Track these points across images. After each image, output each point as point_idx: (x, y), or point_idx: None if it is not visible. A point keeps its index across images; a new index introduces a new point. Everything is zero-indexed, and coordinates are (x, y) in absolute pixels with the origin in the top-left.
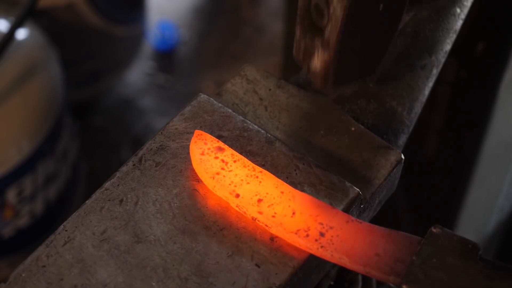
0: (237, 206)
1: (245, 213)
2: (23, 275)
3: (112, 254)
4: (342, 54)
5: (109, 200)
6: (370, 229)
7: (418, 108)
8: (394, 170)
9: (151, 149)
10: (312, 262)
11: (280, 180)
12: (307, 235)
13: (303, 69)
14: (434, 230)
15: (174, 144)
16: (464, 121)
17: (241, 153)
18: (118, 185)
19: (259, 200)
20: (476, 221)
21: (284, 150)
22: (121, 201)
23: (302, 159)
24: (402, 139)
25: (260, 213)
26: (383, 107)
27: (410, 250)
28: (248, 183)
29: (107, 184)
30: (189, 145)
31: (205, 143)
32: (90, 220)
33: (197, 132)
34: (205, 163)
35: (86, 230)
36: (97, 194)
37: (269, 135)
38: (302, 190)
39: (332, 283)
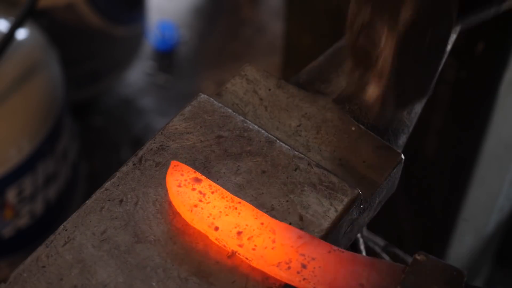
0: (216, 240)
1: (224, 246)
2: (23, 275)
3: (112, 254)
4: (397, 82)
5: (109, 200)
6: (352, 259)
7: (418, 108)
8: (394, 170)
9: (151, 149)
10: None
11: (259, 211)
12: (289, 267)
13: (357, 98)
14: (418, 257)
15: (174, 144)
16: (464, 121)
17: (240, 153)
18: (118, 185)
19: (239, 233)
20: (476, 221)
21: (284, 150)
22: (121, 201)
23: (302, 159)
24: (402, 139)
25: (240, 246)
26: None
27: (394, 279)
28: (227, 215)
29: (107, 184)
30: (189, 145)
31: (182, 174)
32: (90, 220)
33: (173, 163)
34: (182, 195)
35: (86, 230)
36: (97, 194)
37: (269, 135)
38: (302, 190)
39: None
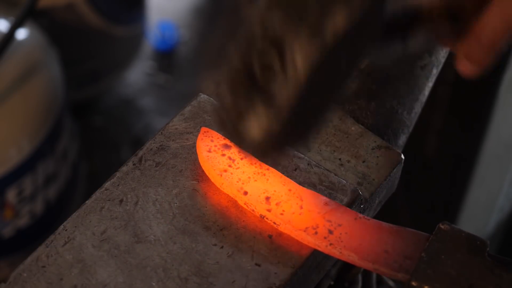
0: (245, 204)
1: (253, 210)
2: (23, 275)
3: (112, 254)
4: (291, 118)
5: (109, 200)
6: (378, 226)
7: (418, 108)
8: (394, 170)
9: (151, 149)
10: (312, 262)
11: (287, 178)
12: (316, 233)
13: (224, 134)
14: (442, 226)
15: (174, 144)
16: (464, 121)
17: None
18: (118, 185)
19: (267, 198)
20: (476, 221)
21: None
22: (121, 201)
23: (302, 159)
24: (402, 139)
25: (269, 210)
26: (383, 107)
27: (419, 246)
28: (255, 180)
29: (107, 184)
30: (189, 145)
31: (212, 140)
32: (90, 220)
33: (203, 129)
34: (212, 161)
35: (86, 230)
36: (97, 194)
37: None
38: (302, 190)
39: (332, 282)
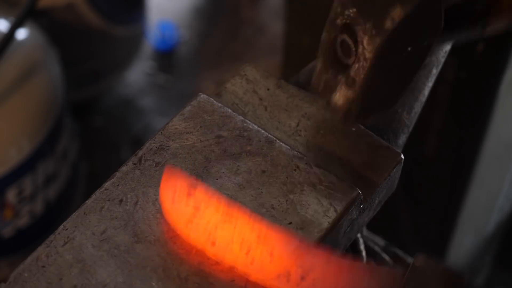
0: (213, 255)
1: (222, 261)
2: (23, 275)
3: (112, 254)
4: (367, 92)
5: (109, 200)
6: (352, 267)
7: (418, 108)
8: (394, 170)
9: (151, 149)
10: None
11: (255, 221)
12: (288, 280)
13: (323, 102)
14: (416, 264)
15: (174, 144)
16: (464, 121)
17: (240, 153)
18: (118, 185)
19: (237, 247)
20: (476, 221)
21: (284, 150)
22: (121, 201)
23: (302, 159)
24: (402, 139)
25: (237, 260)
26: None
27: (394, 284)
28: (222, 229)
29: (107, 184)
30: (189, 145)
31: (174, 191)
32: (90, 220)
33: (164, 176)
34: (176, 212)
35: (86, 230)
36: (97, 194)
37: (269, 135)
38: (302, 190)
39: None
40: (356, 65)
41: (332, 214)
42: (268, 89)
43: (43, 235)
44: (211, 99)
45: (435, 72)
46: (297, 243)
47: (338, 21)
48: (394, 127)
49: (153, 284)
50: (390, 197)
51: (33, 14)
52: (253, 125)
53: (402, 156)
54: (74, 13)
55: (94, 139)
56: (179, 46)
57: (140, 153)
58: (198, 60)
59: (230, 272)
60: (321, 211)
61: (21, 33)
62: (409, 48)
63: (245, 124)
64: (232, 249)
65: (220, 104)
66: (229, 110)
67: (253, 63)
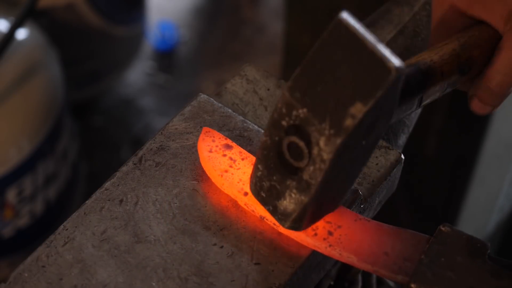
0: (245, 205)
1: (253, 211)
2: (23, 275)
3: (112, 254)
4: (320, 195)
5: (109, 200)
6: (378, 228)
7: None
8: (394, 170)
9: (151, 149)
10: (312, 262)
11: None
12: (316, 234)
13: (265, 208)
14: (443, 228)
15: (174, 144)
16: (464, 121)
17: None
18: (118, 185)
19: None
20: (476, 221)
21: None
22: (121, 201)
23: None
24: (402, 139)
25: (268, 212)
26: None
27: (418, 248)
28: None
29: (107, 184)
30: (189, 145)
31: (213, 141)
32: (90, 220)
33: (205, 129)
34: (213, 161)
35: (86, 230)
36: (97, 194)
37: None
38: None
39: (332, 282)
40: (311, 168)
41: None
42: (268, 89)
43: (43, 235)
44: (211, 99)
45: None
46: None
47: (284, 123)
48: (394, 127)
49: (153, 284)
50: (390, 197)
51: (33, 14)
52: (253, 125)
53: (402, 156)
54: (74, 13)
55: (94, 139)
56: (179, 46)
57: (140, 153)
58: (198, 60)
59: (230, 272)
60: None
61: (21, 33)
62: (363, 142)
63: (245, 124)
64: None
65: (220, 104)
66: (229, 110)
67: (253, 63)
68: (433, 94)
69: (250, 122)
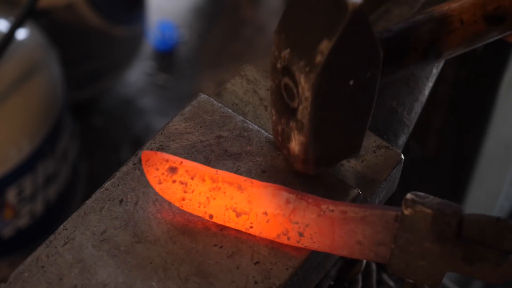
0: (216, 226)
1: (224, 229)
2: (23, 275)
3: (112, 254)
4: (319, 135)
5: (109, 200)
6: (343, 218)
7: (418, 108)
8: (394, 170)
9: (151, 149)
10: (312, 262)
11: (240, 179)
12: (288, 238)
13: (282, 153)
14: (406, 212)
15: (174, 144)
16: (464, 121)
17: (240, 153)
18: (118, 185)
19: (234, 214)
20: None
21: None
22: (121, 201)
23: None
24: (402, 139)
25: (238, 227)
26: (383, 107)
27: (388, 229)
28: (214, 198)
29: (107, 184)
30: (189, 145)
31: (157, 169)
32: (90, 220)
33: (143, 157)
34: (167, 192)
35: (86, 230)
36: (97, 194)
37: (269, 135)
38: (302, 191)
39: (332, 283)
40: (301, 107)
41: None
42: (268, 89)
43: (43, 235)
44: (211, 99)
45: (435, 72)
46: (286, 195)
47: (278, 65)
48: (394, 127)
49: (153, 284)
50: (390, 197)
51: (33, 14)
52: (254, 125)
53: (402, 156)
54: (74, 13)
55: (94, 139)
56: (179, 46)
57: (140, 153)
58: (198, 60)
59: (230, 272)
60: None
61: (21, 33)
62: (351, 82)
63: (245, 124)
64: (230, 216)
65: (220, 104)
66: (229, 110)
67: (253, 63)
68: (457, 46)
69: (250, 122)
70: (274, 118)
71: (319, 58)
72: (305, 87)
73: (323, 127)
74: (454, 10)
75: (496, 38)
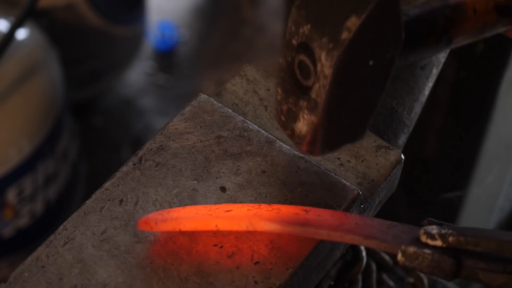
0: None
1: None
2: (23, 274)
3: (112, 254)
4: (331, 116)
5: (109, 200)
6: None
7: (418, 108)
8: (394, 170)
9: (151, 149)
10: (312, 262)
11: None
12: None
13: (285, 133)
14: None
15: (174, 144)
16: (464, 121)
17: (240, 153)
18: (118, 185)
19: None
20: (476, 221)
21: (284, 150)
22: (121, 201)
23: (303, 159)
24: (402, 139)
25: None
26: (383, 107)
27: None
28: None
29: (107, 184)
30: (189, 145)
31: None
32: (90, 220)
33: (139, 226)
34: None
35: (86, 230)
36: (97, 194)
37: (269, 135)
38: (301, 191)
39: (332, 283)
40: (317, 85)
41: None
42: (268, 89)
43: (43, 235)
44: (211, 99)
45: (435, 72)
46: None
47: (294, 41)
48: (394, 127)
49: (153, 284)
50: (390, 197)
51: (33, 14)
52: (253, 125)
53: (402, 156)
54: (74, 13)
55: (94, 139)
56: (179, 46)
57: (140, 153)
58: (198, 60)
59: (230, 272)
60: None
61: (21, 33)
62: (370, 62)
63: (245, 124)
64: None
65: (220, 104)
66: (229, 110)
67: (253, 63)
68: (467, 35)
69: (250, 122)
70: (279, 97)
71: (345, 35)
72: (325, 64)
73: (337, 107)
74: None
75: (503, 31)
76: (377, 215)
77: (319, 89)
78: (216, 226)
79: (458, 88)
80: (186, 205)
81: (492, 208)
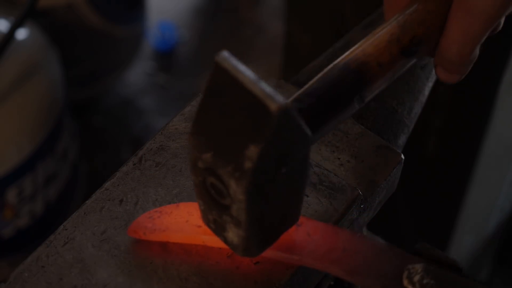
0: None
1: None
2: (24, 274)
3: (112, 254)
4: (259, 226)
5: (109, 200)
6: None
7: (418, 108)
8: (394, 170)
9: (151, 149)
10: None
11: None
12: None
13: (219, 237)
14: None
15: (174, 144)
16: (464, 121)
17: None
18: (118, 185)
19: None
20: (476, 221)
21: None
22: (121, 201)
23: None
24: (402, 139)
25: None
26: (383, 107)
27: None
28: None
29: (107, 184)
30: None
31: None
32: (90, 220)
33: (129, 233)
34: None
35: (86, 230)
36: (97, 194)
37: None
38: None
39: (332, 283)
40: (235, 206)
41: (332, 215)
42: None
43: (43, 235)
44: None
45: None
46: None
47: (200, 165)
48: (394, 127)
49: (153, 284)
50: (390, 197)
51: (33, 14)
52: None
53: (402, 156)
54: (74, 13)
55: (94, 139)
56: (179, 46)
57: (140, 153)
58: (198, 60)
59: (230, 272)
60: (322, 211)
61: (21, 33)
62: (283, 170)
63: None
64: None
65: None
66: None
67: (253, 63)
68: (378, 87)
69: None
70: (202, 207)
71: (248, 164)
72: (237, 191)
73: (261, 218)
74: (370, 55)
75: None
76: (377, 215)
77: (238, 210)
78: (203, 242)
79: (458, 88)
80: None
81: (492, 208)
